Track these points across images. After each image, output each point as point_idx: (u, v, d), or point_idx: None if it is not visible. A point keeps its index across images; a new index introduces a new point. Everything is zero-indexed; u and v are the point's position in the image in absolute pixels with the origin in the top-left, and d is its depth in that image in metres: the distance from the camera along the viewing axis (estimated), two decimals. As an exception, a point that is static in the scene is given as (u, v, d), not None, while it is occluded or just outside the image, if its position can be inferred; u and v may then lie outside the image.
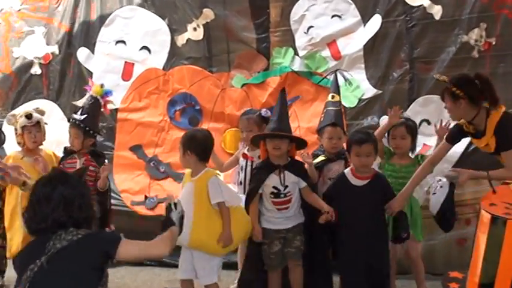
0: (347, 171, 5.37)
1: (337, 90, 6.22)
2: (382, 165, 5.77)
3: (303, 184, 5.39)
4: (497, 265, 4.72)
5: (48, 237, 3.38)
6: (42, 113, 6.32)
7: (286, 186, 5.36)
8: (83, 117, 5.95)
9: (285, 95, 5.62)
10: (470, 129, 5.04)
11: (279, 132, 5.34)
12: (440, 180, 5.22)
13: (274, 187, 5.37)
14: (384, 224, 5.30)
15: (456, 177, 5.11)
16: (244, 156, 6.03)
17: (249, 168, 5.95)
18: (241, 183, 5.98)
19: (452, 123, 5.38)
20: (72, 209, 3.45)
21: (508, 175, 4.99)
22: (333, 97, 6.14)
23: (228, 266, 6.09)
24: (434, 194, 5.22)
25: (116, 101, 7.24)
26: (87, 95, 6.16)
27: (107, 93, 6.23)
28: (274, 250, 5.44)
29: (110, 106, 6.41)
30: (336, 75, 6.56)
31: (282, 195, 5.38)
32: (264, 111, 6.12)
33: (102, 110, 6.28)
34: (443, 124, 5.77)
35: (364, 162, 5.21)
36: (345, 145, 5.71)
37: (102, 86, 6.23)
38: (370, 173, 5.27)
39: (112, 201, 6.33)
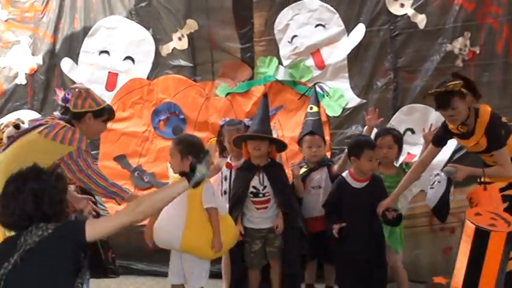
0: (346, 174, 5.47)
1: (315, 102, 6.40)
2: None
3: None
4: (479, 274, 4.76)
5: (19, 234, 3.36)
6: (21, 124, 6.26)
7: (265, 187, 5.58)
8: None
9: (267, 99, 5.84)
10: (463, 130, 5.06)
11: (259, 134, 5.56)
12: (438, 175, 5.25)
13: (253, 187, 5.60)
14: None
15: (454, 173, 5.14)
16: (228, 165, 6.02)
17: (234, 178, 5.93)
18: (225, 192, 5.96)
19: None
20: (42, 203, 3.42)
21: (503, 172, 5.07)
22: (311, 108, 6.29)
23: (215, 275, 6.10)
24: (432, 188, 5.26)
25: None
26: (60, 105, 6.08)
27: None
28: (254, 249, 5.62)
29: None
30: (315, 88, 6.69)
31: (261, 195, 5.59)
32: (247, 121, 6.17)
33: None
34: (431, 129, 5.79)
35: (375, 166, 5.41)
36: (328, 154, 5.74)
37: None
38: (368, 175, 5.38)
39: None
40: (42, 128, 4.93)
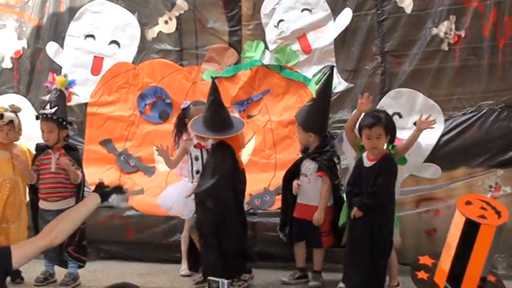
0: (364, 154, 5.51)
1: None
2: (357, 158, 5.75)
3: None
4: (467, 263, 4.89)
5: None
6: (18, 109, 6.31)
7: None
8: (53, 110, 5.96)
9: (215, 85, 5.83)
10: None
11: (200, 134, 5.79)
12: None
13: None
14: (390, 201, 5.46)
15: None
16: (199, 146, 6.15)
17: (205, 157, 6.07)
18: (197, 172, 6.11)
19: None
20: None
21: None
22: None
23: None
24: None
25: (85, 95, 7.37)
26: (53, 89, 6.14)
27: (71, 83, 6.24)
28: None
29: (73, 97, 6.44)
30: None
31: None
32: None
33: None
34: (424, 117, 5.75)
35: (375, 144, 5.36)
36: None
37: (65, 76, 6.28)
38: (380, 155, 5.39)
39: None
40: None
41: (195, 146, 6.16)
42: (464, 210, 5.02)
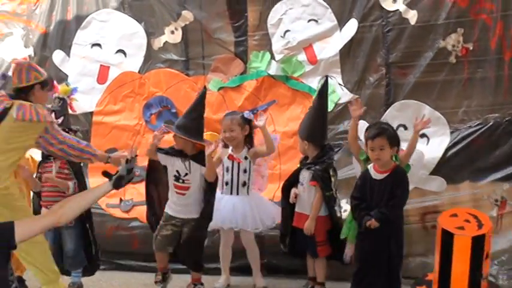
0: (370, 166, 5.48)
1: None
2: (362, 170, 5.74)
3: (204, 170, 5.81)
4: (449, 275, 5.05)
5: None
6: None
7: (186, 174, 5.83)
8: (60, 120, 5.93)
9: (204, 93, 5.95)
10: None
11: (179, 135, 5.81)
12: None
13: (177, 171, 5.86)
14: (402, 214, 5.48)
15: None
16: (231, 157, 6.16)
17: (235, 170, 6.13)
18: (226, 183, 6.17)
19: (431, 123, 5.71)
20: None
21: None
22: None
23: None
24: None
25: (91, 104, 7.42)
26: (55, 98, 6.13)
27: (73, 91, 6.31)
28: (164, 233, 5.93)
29: (79, 106, 6.58)
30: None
31: (181, 181, 5.84)
32: (246, 113, 6.25)
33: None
34: (423, 119, 5.73)
35: (378, 155, 5.32)
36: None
37: (67, 84, 6.33)
38: (389, 167, 5.35)
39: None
40: (12, 112, 4.97)
41: (227, 157, 6.19)
42: (442, 222, 5.16)
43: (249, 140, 6.20)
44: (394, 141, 5.41)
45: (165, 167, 5.98)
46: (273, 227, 6.26)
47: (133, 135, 7.41)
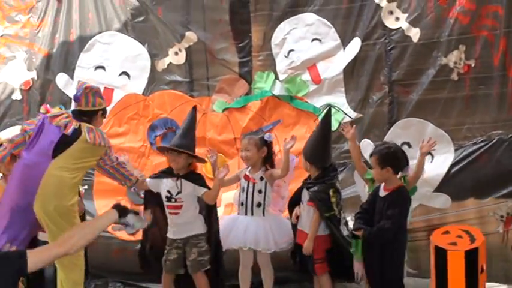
0: (382, 184, 5.55)
1: None
2: (370, 190, 5.87)
3: (202, 190, 5.90)
4: None
5: None
6: None
7: (178, 192, 5.86)
8: None
9: (194, 111, 6.09)
10: None
11: (176, 148, 5.87)
12: None
13: (168, 191, 5.89)
14: (400, 233, 5.44)
15: None
16: (246, 177, 6.16)
17: (250, 190, 6.11)
18: (242, 204, 6.15)
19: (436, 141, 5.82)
20: None
21: None
22: None
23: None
24: None
25: None
26: None
27: None
28: (171, 257, 5.97)
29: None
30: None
31: (173, 200, 5.88)
32: (267, 136, 6.26)
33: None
34: (429, 142, 5.80)
35: (377, 175, 5.49)
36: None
37: (61, 108, 6.30)
38: (393, 186, 5.42)
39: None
40: (85, 134, 5.30)
41: (243, 177, 6.20)
42: (435, 239, 5.23)
43: (268, 162, 6.19)
44: (386, 160, 5.43)
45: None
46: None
47: (138, 157, 7.34)
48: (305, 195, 6.02)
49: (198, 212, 6.00)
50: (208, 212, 6.04)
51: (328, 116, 6.09)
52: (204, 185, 5.95)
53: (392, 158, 5.47)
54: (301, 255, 6.01)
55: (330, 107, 6.15)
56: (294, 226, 6.12)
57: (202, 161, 6.14)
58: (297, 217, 6.06)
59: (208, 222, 6.02)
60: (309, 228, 5.91)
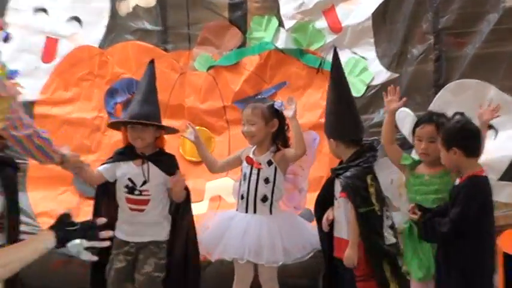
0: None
1: None
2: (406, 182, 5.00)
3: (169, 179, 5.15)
4: None
5: None
6: None
7: (144, 182, 4.90)
8: None
9: (152, 67, 5.14)
10: None
11: (142, 121, 4.92)
12: None
13: (129, 179, 4.94)
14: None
15: None
16: (249, 160, 5.16)
17: (254, 178, 5.10)
18: (242, 197, 5.17)
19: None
20: None
21: None
22: None
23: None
24: None
25: (33, 90, 6.40)
26: None
27: (12, 73, 5.31)
28: (117, 266, 5.01)
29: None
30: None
31: (137, 192, 4.93)
32: (278, 103, 5.21)
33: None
34: (490, 106, 4.91)
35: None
36: None
37: (3, 66, 5.34)
38: (467, 173, 4.57)
39: (24, 228, 5.47)
40: None
41: (246, 160, 5.22)
42: (504, 244, 4.86)
43: (280, 139, 5.17)
44: (451, 140, 4.48)
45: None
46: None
47: (92, 133, 6.48)
48: (337, 187, 5.01)
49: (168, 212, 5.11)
50: (177, 209, 5.13)
51: (337, 64, 5.16)
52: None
53: (460, 136, 4.47)
54: (338, 272, 5.07)
55: (335, 48, 5.27)
56: (324, 233, 5.13)
57: (174, 131, 5.20)
58: (330, 224, 5.02)
59: (175, 224, 5.12)
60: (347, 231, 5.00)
